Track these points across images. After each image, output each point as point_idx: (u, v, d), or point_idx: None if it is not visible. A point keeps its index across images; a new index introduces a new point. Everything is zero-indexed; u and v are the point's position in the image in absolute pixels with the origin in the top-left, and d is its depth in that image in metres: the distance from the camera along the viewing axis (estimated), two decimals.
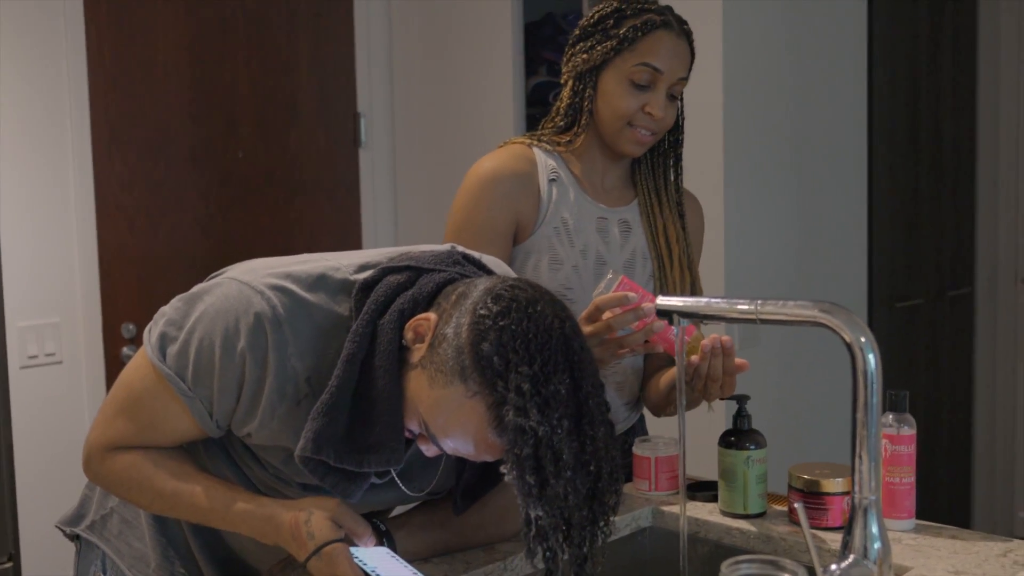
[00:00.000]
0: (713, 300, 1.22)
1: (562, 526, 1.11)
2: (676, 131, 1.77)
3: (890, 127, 3.39)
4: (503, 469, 1.11)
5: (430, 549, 1.39)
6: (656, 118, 1.66)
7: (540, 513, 1.10)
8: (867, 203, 3.28)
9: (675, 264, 1.74)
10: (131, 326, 3.05)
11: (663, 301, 1.25)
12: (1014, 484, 3.94)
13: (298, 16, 3.38)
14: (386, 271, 1.26)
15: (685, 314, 1.23)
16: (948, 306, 3.80)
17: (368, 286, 1.24)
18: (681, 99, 1.74)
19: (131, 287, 3.07)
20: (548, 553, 1.12)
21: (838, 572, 1.04)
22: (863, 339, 1.08)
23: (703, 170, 2.71)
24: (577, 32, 1.73)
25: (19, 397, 2.66)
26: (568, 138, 1.73)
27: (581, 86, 1.71)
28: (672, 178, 1.78)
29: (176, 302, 1.28)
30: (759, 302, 1.16)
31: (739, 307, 1.18)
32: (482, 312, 1.13)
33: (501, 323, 1.12)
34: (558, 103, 1.76)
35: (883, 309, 3.35)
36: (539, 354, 1.11)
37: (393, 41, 3.54)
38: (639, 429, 1.88)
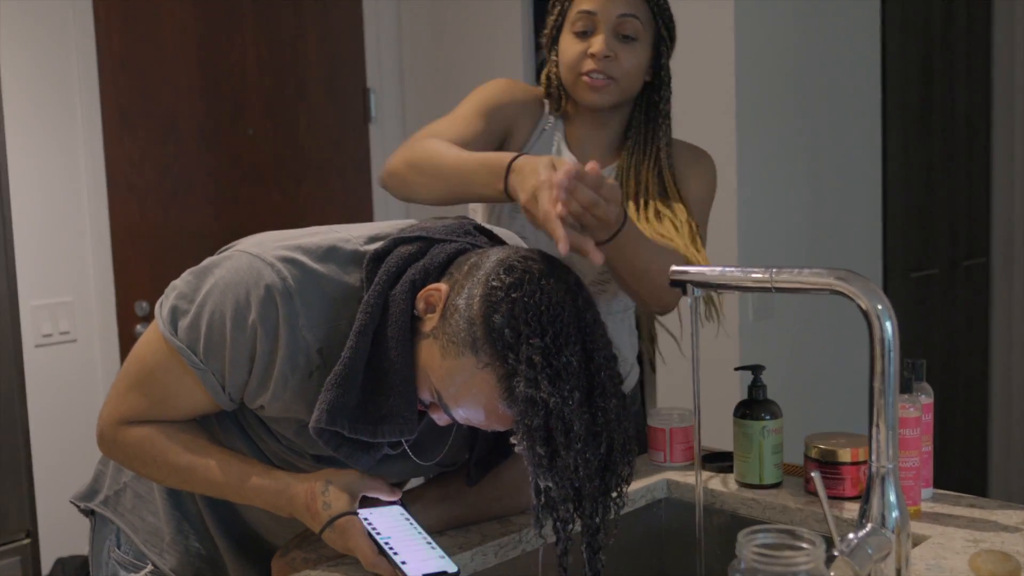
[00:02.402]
0: (727, 269, 1.20)
1: (572, 497, 1.11)
2: (658, 89, 1.73)
3: (903, 96, 3.36)
4: (513, 440, 1.11)
5: (445, 522, 1.39)
6: (598, 56, 1.64)
7: (550, 484, 1.10)
8: (881, 172, 3.26)
9: (641, 220, 1.65)
10: (144, 304, 3.06)
11: (677, 270, 1.24)
12: None
13: None
14: (397, 242, 1.25)
15: (699, 283, 1.22)
16: (963, 276, 3.78)
17: (379, 257, 1.24)
18: (664, 56, 1.71)
19: (143, 266, 3.08)
20: (559, 524, 1.13)
21: (856, 541, 1.03)
22: (880, 306, 1.07)
23: (715, 139, 2.69)
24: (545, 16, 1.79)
25: (34, 375, 2.67)
26: (554, 105, 1.76)
27: (549, 58, 1.77)
28: (657, 141, 1.73)
29: (187, 275, 1.27)
30: (774, 270, 1.14)
31: (754, 275, 1.16)
32: (494, 284, 1.13)
33: (513, 295, 1.11)
34: (540, 79, 1.82)
35: (897, 279, 3.33)
36: (551, 326, 1.10)
37: (401, 15, 3.52)
38: (635, 395, 1.89)
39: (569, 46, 1.69)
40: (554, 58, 1.75)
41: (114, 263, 3.01)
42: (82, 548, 2.86)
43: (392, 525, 1.24)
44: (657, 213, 1.66)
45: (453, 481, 1.40)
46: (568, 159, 1.70)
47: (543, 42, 1.79)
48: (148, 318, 3.08)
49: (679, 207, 1.67)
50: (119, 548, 1.48)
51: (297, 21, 3.36)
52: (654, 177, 1.70)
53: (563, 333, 1.11)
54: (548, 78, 1.77)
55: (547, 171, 1.27)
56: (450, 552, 1.30)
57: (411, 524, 1.25)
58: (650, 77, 1.72)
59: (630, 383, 1.84)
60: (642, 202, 1.68)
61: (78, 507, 1.53)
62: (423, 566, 1.17)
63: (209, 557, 1.45)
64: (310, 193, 3.37)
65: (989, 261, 3.93)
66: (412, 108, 3.49)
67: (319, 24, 3.40)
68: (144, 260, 3.08)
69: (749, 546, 0.95)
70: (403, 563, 1.17)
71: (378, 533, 1.21)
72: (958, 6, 3.67)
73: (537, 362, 1.09)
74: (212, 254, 1.30)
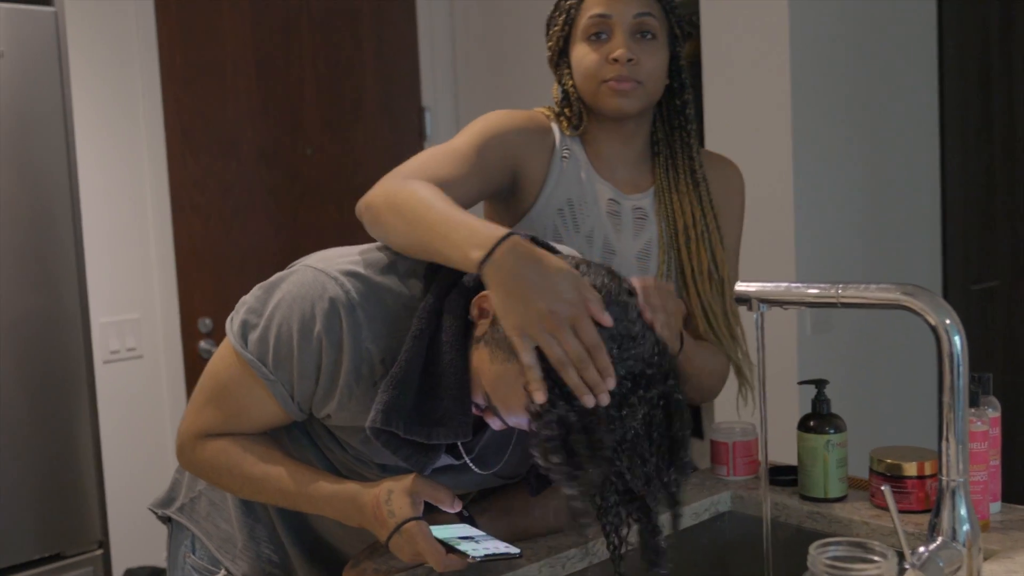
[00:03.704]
0: (793, 285, 1.21)
1: (598, 505, 1.11)
2: (680, 93, 1.63)
3: (962, 103, 3.33)
4: (532, 451, 1.10)
5: (512, 534, 1.40)
6: (621, 61, 1.53)
7: (573, 493, 1.09)
8: (940, 185, 3.23)
9: (693, 245, 1.60)
10: (207, 321, 3.12)
11: (741, 287, 1.25)
12: None
13: (362, 14, 3.42)
14: None
15: (765, 299, 1.23)
16: None
17: (437, 267, 1.27)
18: (679, 60, 1.62)
19: (206, 283, 3.15)
20: (609, 529, 1.13)
21: (927, 554, 1.04)
22: (948, 321, 1.07)
23: (771, 150, 2.69)
24: (546, 29, 1.69)
25: (103, 391, 2.74)
26: (573, 122, 1.62)
27: (559, 71, 1.65)
28: (687, 149, 1.64)
29: (256, 290, 1.32)
30: (840, 286, 1.15)
31: (820, 291, 1.17)
32: None
33: None
34: (553, 97, 1.68)
35: (958, 291, 3.30)
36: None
37: (455, 35, 3.57)
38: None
39: (585, 54, 1.57)
40: (566, 71, 1.63)
41: (178, 280, 3.09)
42: (149, 558, 2.93)
43: (455, 528, 1.27)
44: (709, 275, 1.60)
45: (518, 494, 1.41)
46: (603, 188, 1.62)
47: (549, 57, 1.68)
48: (211, 334, 3.15)
49: (721, 258, 1.61)
50: (194, 554, 1.52)
51: (353, 40, 3.42)
52: (696, 204, 1.62)
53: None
54: (564, 93, 1.63)
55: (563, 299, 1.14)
56: (517, 563, 1.32)
57: (472, 528, 1.28)
58: (667, 80, 1.62)
59: None
60: (691, 246, 1.61)
61: (156, 514, 1.57)
62: (487, 549, 1.20)
63: (281, 564, 1.48)
64: None
65: None
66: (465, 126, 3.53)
67: (375, 42, 3.46)
68: (207, 278, 3.15)
69: (821, 559, 0.96)
70: (469, 551, 1.20)
71: (446, 536, 1.24)
72: (1016, 10, 3.63)
73: (556, 378, 1.09)
74: (272, 271, 1.34)
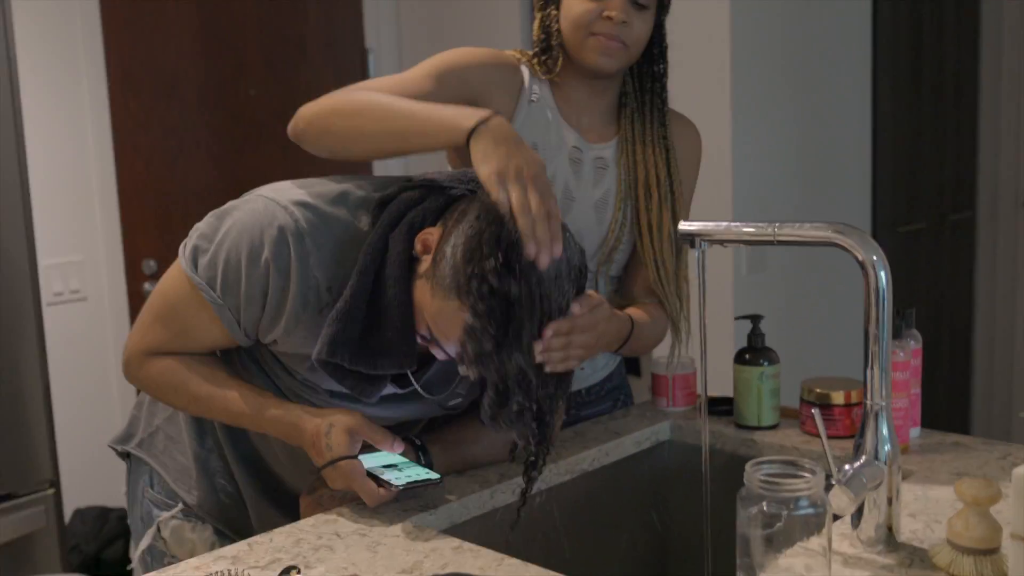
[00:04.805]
0: (733, 224, 1.27)
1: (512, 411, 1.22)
2: (660, 60, 1.65)
3: (893, 55, 3.42)
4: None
5: (464, 463, 1.47)
6: (616, 21, 1.53)
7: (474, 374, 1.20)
8: (871, 130, 3.33)
9: (653, 205, 1.63)
10: (152, 263, 3.13)
11: (684, 226, 1.31)
12: (1011, 395, 4.07)
13: None
14: (403, 188, 1.34)
15: (705, 237, 1.29)
16: (950, 230, 3.88)
17: (385, 201, 1.33)
18: (663, 29, 1.64)
19: (150, 225, 3.14)
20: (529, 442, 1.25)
21: (852, 471, 1.12)
22: (875, 257, 1.14)
23: (710, 101, 2.76)
24: None
25: (47, 334, 2.74)
26: (547, 65, 1.62)
27: (546, 9, 1.63)
28: (657, 113, 1.66)
29: (209, 217, 1.36)
30: (776, 224, 1.22)
31: (758, 229, 1.24)
32: (471, 233, 1.21)
33: (486, 243, 1.19)
34: (533, 34, 1.67)
35: (886, 233, 3.42)
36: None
37: None
38: (616, 375, 1.82)
39: (579, 2, 1.55)
40: (554, 11, 1.60)
41: (122, 223, 3.08)
42: (99, 497, 2.95)
43: (379, 456, 1.33)
44: (660, 223, 1.62)
45: (469, 424, 1.47)
46: (568, 135, 1.63)
47: None
48: (156, 276, 3.15)
49: (679, 203, 1.64)
50: (152, 487, 1.56)
51: None
52: (663, 166, 1.64)
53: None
54: (546, 32, 1.62)
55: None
56: (469, 490, 1.39)
57: (396, 456, 1.34)
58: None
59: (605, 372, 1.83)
60: (651, 200, 1.63)
61: (115, 450, 1.61)
62: (409, 476, 1.29)
63: (234, 494, 1.53)
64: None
65: (975, 216, 4.03)
66: (410, 68, 3.53)
67: None
68: (151, 220, 3.14)
69: (755, 475, 1.04)
70: (392, 480, 1.28)
71: (376, 464, 1.31)
72: None
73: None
74: None
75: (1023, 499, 1.00)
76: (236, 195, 1.43)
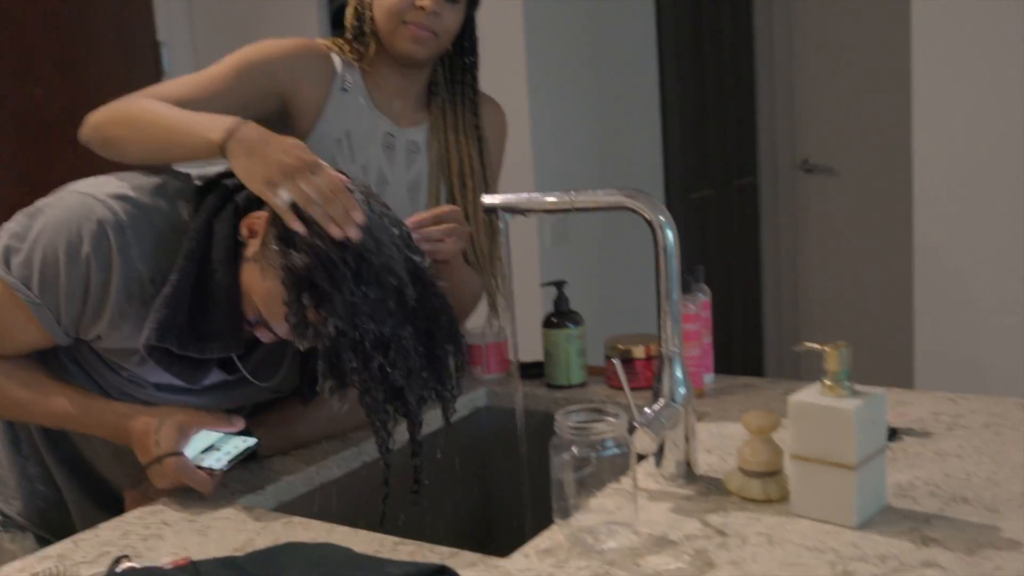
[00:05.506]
0: (533, 195, 1.36)
1: (367, 404, 1.24)
2: (471, 52, 1.71)
3: (677, 37, 3.63)
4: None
5: (289, 442, 1.49)
6: (428, 11, 1.57)
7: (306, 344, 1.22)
8: (659, 107, 3.52)
9: (468, 192, 1.69)
10: None
11: (487, 199, 1.38)
12: (797, 339, 4.39)
13: None
14: (223, 175, 1.35)
15: (508, 208, 1.37)
16: (736, 194, 4.14)
17: (205, 189, 1.34)
18: (473, 22, 1.69)
19: None
20: (382, 434, 1.27)
21: (651, 414, 1.22)
22: (662, 218, 1.25)
23: (507, 78, 2.86)
24: None
25: None
26: (359, 52, 1.65)
27: None
28: (469, 104, 1.71)
29: (19, 216, 1.33)
30: (573, 192, 1.31)
31: (555, 198, 1.33)
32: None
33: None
34: (346, 21, 1.69)
35: (678, 200, 3.63)
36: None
37: None
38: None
39: None
40: (367, 0, 1.64)
41: None
42: None
43: (194, 442, 1.34)
44: (475, 210, 1.67)
45: (292, 405, 1.50)
46: (380, 122, 1.67)
47: None
48: None
49: (492, 190, 1.70)
50: None
51: None
52: (476, 155, 1.70)
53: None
54: (359, 19, 1.65)
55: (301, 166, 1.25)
56: (295, 468, 1.43)
57: (213, 432, 1.35)
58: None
59: None
60: (467, 189, 1.68)
61: None
62: (229, 453, 1.32)
63: (54, 500, 1.50)
64: None
65: (757, 179, 4.32)
66: (206, 62, 3.45)
67: None
68: None
69: (565, 423, 1.13)
70: (215, 466, 1.30)
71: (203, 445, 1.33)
72: None
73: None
74: (8, 217, 1.35)
75: (797, 423, 1.13)
76: (27, 199, 1.39)
